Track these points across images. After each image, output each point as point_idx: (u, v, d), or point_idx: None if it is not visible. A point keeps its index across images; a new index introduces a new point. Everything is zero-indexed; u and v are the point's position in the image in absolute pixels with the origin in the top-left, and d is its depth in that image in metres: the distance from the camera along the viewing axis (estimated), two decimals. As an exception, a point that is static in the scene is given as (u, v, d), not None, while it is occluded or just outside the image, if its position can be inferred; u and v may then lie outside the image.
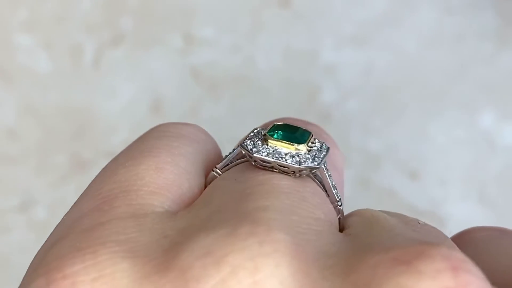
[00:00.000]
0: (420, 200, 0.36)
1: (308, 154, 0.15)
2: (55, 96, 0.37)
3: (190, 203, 0.15)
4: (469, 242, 0.17)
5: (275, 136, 0.16)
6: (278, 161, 0.15)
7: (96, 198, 0.15)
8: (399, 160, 0.36)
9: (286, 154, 0.15)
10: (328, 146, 0.16)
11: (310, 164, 0.15)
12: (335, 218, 0.15)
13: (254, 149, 0.15)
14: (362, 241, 0.14)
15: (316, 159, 0.15)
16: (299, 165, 0.15)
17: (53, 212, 0.35)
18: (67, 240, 0.14)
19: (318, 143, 0.16)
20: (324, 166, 0.16)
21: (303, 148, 0.15)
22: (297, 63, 0.38)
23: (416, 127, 0.37)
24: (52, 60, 0.37)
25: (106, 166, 0.16)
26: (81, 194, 0.16)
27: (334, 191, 0.16)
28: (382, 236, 0.14)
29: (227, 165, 0.16)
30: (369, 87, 0.38)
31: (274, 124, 0.16)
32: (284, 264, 0.12)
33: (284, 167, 0.15)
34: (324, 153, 0.16)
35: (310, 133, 0.16)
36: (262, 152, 0.15)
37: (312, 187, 0.15)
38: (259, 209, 0.13)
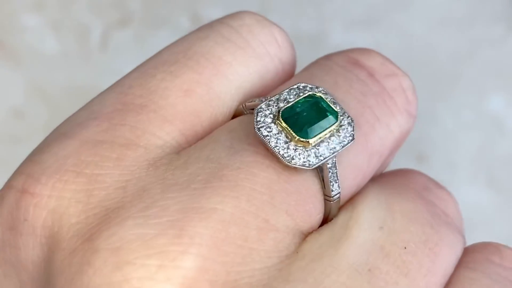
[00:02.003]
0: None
1: (313, 148, 0.13)
2: (62, 77, 0.37)
3: (203, 134, 0.14)
4: None
5: (287, 118, 0.13)
6: (273, 149, 0.13)
7: (115, 102, 0.14)
8: (407, 143, 0.37)
9: (286, 142, 0.13)
10: (353, 137, 0.14)
11: (299, 164, 0.13)
12: (308, 221, 0.14)
13: (259, 122, 0.13)
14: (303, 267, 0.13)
15: (317, 158, 0.13)
16: (288, 162, 0.13)
17: None
18: (53, 147, 0.14)
19: (344, 133, 0.14)
20: (332, 162, 0.13)
21: (306, 143, 0.13)
22: (305, 45, 0.38)
23: (424, 110, 0.37)
24: (59, 41, 0.38)
25: (150, 60, 0.15)
26: (112, 85, 0.15)
27: (331, 185, 0.14)
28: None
29: (252, 109, 0.14)
30: None
31: (303, 99, 0.14)
32: None
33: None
34: (334, 151, 0.13)
35: (335, 121, 0.13)
36: (263, 132, 0.13)
37: (298, 181, 0.13)
38: (202, 211, 0.12)
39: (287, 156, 0.13)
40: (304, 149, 0.13)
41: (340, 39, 0.38)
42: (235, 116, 0.15)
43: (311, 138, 0.13)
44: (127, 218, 0.13)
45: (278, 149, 0.13)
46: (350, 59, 0.14)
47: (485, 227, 0.36)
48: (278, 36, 0.16)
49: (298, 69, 0.20)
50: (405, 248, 0.13)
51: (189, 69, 0.14)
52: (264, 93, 0.15)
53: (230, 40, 0.15)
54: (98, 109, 0.15)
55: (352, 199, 0.15)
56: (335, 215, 0.14)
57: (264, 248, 0.13)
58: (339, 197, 0.14)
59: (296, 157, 0.13)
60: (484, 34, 0.38)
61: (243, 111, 0.15)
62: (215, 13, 0.38)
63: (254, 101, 0.14)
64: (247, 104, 0.15)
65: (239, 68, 0.15)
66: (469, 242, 0.35)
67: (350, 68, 0.14)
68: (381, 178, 0.16)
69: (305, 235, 0.14)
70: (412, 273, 0.13)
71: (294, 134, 0.13)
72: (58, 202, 0.13)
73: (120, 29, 0.38)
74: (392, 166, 0.36)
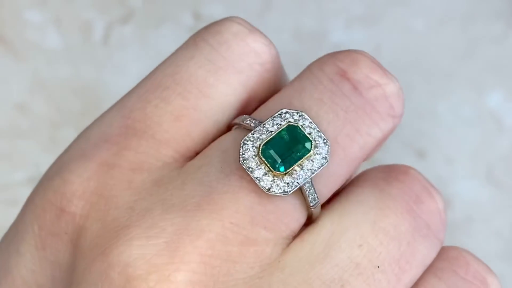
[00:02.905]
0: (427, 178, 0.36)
1: (289, 177, 0.15)
2: (65, 72, 0.38)
3: (196, 147, 0.16)
4: None
5: (264, 153, 0.15)
6: (254, 179, 0.15)
7: (120, 125, 0.17)
8: (407, 138, 0.37)
9: (265, 174, 0.15)
10: (327, 159, 0.15)
11: (277, 192, 0.15)
12: (289, 230, 0.15)
13: (243, 156, 0.15)
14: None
15: (292, 185, 0.15)
16: (267, 191, 0.15)
17: None
18: (77, 167, 0.17)
19: (319, 157, 0.15)
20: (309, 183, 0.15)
21: (282, 175, 0.15)
22: (306, 42, 0.38)
23: (424, 106, 0.37)
24: (62, 37, 0.38)
25: (146, 82, 0.18)
26: (115, 104, 0.18)
27: (309, 197, 0.15)
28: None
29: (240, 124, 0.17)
30: None
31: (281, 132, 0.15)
32: None
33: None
34: (308, 176, 0.15)
35: (309, 150, 0.15)
36: (247, 163, 0.15)
37: (278, 201, 0.15)
38: (192, 232, 0.15)
39: (266, 186, 0.15)
40: (281, 179, 0.15)
41: (341, 36, 0.38)
42: (229, 126, 0.17)
43: (286, 170, 0.15)
44: (133, 238, 0.15)
45: (258, 180, 0.15)
46: (339, 70, 0.16)
47: (484, 222, 0.36)
48: (254, 44, 0.17)
49: (302, 64, 0.20)
50: (378, 267, 0.15)
51: (178, 95, 0.16)
52: (250, 97, 0.17)
53: (211, 62, 0.16)
54: (107, 131, 0.17)
55: (341, 200, 0.16)
56: (318, 216, 0.16)
57: (246, 260, 0.15)
58: (318, 204, 0.16)
59: (274, 187, 0.15)
60: (483, 31, 0.38)
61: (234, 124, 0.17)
62: (217, 10, 0.38)
63: (241, 120, 0.16)
64: (235, 121, 0.17)
65: (222, 87, 0.16)
66: (467, 238, 0.35)
67: (337, 82, 0.16)
68: (378, 182, 0.17)
69: (290, 240, 0.16)
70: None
71: (270, 168, 0.15)
72: (85, 220, 0.16)
73: (123, 25, 0.38)
74: (392, 161, 0.36)
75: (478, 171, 0.37)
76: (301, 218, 0.16)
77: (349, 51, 0.16)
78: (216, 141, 0.16)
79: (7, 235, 0.18)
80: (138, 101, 0.17)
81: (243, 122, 0.16)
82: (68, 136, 0.36)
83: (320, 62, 0.17)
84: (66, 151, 0.18)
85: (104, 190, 0.16)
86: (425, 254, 0.16)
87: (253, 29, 0.17)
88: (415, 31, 0.38)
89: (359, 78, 0.16)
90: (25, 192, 0.35)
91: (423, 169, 0.36)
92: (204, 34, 0.17)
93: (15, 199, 0.36)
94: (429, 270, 0.16)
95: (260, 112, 0.16)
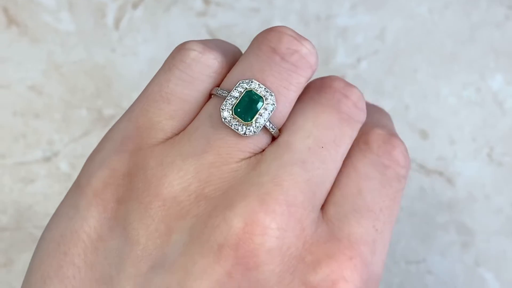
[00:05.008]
0: (430, 158, 0.37)
1: (255, 123, 0.22)
2: (78, 55, 0.38)
3: (190, 118, 0.23)
4: None
5: (236, 112, 0.22)
6: (235, 130, 0.22)
7: (133, 126, 0.23)
8: (411, 120, 0.37)
9: (240, 125, 0.22)
10: (275, 105, 0.22)
11: (249, 134, 0.22)
12: (260, 150, 0.22)
13: (224, 117, 0.22)
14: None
15: (258, 127, 0.22)
16: (244, 134, 0.22)
17: (75, 164, 0.36)
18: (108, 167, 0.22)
19: (270, 105, 0.22)
20: (269, 125, 0.22)
21: (250, 123, 0.22)
22: (312, 26, 0.39)
23: (428, 89, 0.38)
24: (75, 20, 0.38)
25: (142, 98, 0.24)
26: (125, 114, 0.24)
27: (270, 128, 0.22)
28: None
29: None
30: (382, 50, 0.38)
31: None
32: None
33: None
34: (266, 118, 0.22)
35: (262, 104, 0.22)
36: (228, 122, 0.22)
37: (252, 136, 0.22)
38: (204, 166, 0.21)
39: (242, 132, 0.22)
40: (250, 126, 0.22)
41: (346, 20, 0.38)
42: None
43: (250, 120, 0.22)
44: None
45: (237, 129, 0.22)
46: (270, 48, 0.23)
47: (485, 200, 0.36)
48: (207, 61, 0.23)
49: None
50: (322, 147, 0.22)
51: (167, 104, 0.23)
52: (215, 84, 0.24)
53: (183, 80, 0.23)
54: (126, 132, 0.23)
55: (290, 117, 0.23)
56: (278, 135, 0.22)
57: (240, 164, 0.22)
58: (276, 130, 0.22)
59: (247, 132, 0.22)
60: (486, 16, 0.38)
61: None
62: (226, -6, 0.38)
63: (215, 91, 0.23)
64: (212, 92, 0.23)
65: (194, 93, 0.23)
66: (469, 215, 0.35)
67: (270, 56, 0.23)
68: (313, 95, 0.24)
69: (263, 150, 0.23)
70: (326, 160, 0.22)
71: (242, 120, 0.22)
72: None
73: (134, 9, 0.38)
74: None
75: (479, 151, 0.37)
76: (268, 140, 0.22)
77: (274, 30, 0.23)
78: (203, 110, 0.23)
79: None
80: (140, 112, 0.23)
81: (217, 93, 0.23)
82: (81, 116, 0.37)
83: (258, 42, 0.23)
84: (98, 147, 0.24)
85: (137, 192, 0.22)
86: (350, 134, 0.23)
87: (205, 50, 0.23)
88: (419, 15, 0.38)
89: (283, 51, 0.23)
90: (41, 170, 0.36)
91: (426, 149, 0.37)
92: (174, 62, 0.23)
93: (31, 177, 0.36)
94: (357, 143, 0.23)
95: (226, 83, 0.23)
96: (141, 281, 0.19)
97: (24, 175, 0.36)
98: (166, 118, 0.22)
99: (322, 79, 0.24)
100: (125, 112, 0.23)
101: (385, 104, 0.37)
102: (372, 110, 0.26)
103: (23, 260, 0.35)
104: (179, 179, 0.21)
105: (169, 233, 0.20)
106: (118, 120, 0.23)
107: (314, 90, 0.24)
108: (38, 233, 0.35)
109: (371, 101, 0.37)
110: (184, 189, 0.20)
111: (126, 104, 0.37)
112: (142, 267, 0.20)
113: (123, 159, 0.21)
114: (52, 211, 0.35)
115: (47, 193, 0.36)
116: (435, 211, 0.36)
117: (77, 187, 0.22)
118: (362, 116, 0.23)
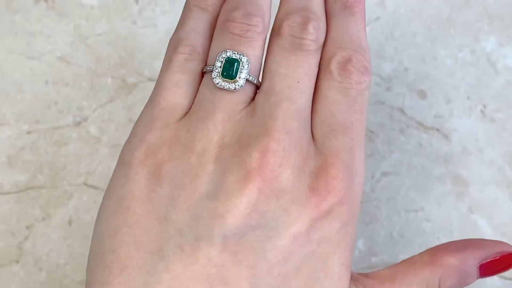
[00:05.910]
0: (428, 116, 0.38)
1: (240, 80, 0.27)
2: (101, 27, 0.40)
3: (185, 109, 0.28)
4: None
5: (223, 75, 0.27)
6: (225, 88, 0.27)
7: (153, 115, 0.27)
8: (409, 81, 0.39)
9: (229, 83, 0.27)
10: (249, 63, 0.27)
11: (237, 88, 0.27)
12: (250, 98, 0.27)
13: (217, 82, 0.27)
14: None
15: (241, 83, 0.27)
16: (233, 89, 0.27)
17: (103, 128, 0.39)
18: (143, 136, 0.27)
19: (246, 65, 0.27)
20: (250, 77, 0.27)
21: (235, 80, 0.27)
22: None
23: (426, 51, 0.39)
24: (98, -5, 0.41)
25: (148, 108, 0.28)
26: (147, 104, 0.28)
27: (253, 81, 0.27)
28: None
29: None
30: (383, 16, 0.40)
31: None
32: None
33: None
34: (246, 75, 0.27)
35: (239, 65, 0.27)
36: (220, 84, 0.27)
37: (240, 89, 0.27)
38: (210, 119, 0.27)
39: (231, 88, 0.26)
40: (236, 82, 0.26)
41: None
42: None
43: (235, 78, 0.26)
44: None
45: (228, 88, 0.27)
46: (232, 18, 0.27)
47: (479, 153, 0.38)
48: (195, 56, 0.28)
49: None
50: (298, 82, 0.27)
51: (178, 89, 0.28)
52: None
53: (182, 68, 0.28)
54: (151, 119, 0.27)
55: (267, 67, 0.28)
56: (260, 83, 0.27)
57: (238, 114, 0.26)
58: (257, 80, 0.27)
59: (236, 87, 0.26)
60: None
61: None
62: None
63: (205, 69, 0.28)
64: (203, 70, 0.28)
65: (191, 76, 0.28)
66: (464, 167, 0.36)
67: (234, 25, 0.27)
68: (277, 42, 0.28)
69: (253, 97, 0.27)
70: (304, 90, 0.27)
71: (229, 79, 0.26)
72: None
73: (152, -17, 0.40)
74: (397, 102, 0.39)
75: (474, 108, 0.38)
76: (254, 89, 0.27)
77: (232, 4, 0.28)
78: (201, 85, 0.28)
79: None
80: (160, 98, 0.27)
81: (206, 70, 0.27)
82: (107, 84, 0.39)
83: (225, 17, 0.28)
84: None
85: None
86: (316, 62, 0.27)
87: (193, 52, 0.28)
88: (418, -17, 0.40)
89: (241, 19, 0.27)
90: (72, 134, 0.38)
91: (424, 108, 0.38)
92: (172, 56, 0.28)
93: (64, 140, 0.38)
94: (324, 71, 0.28)
95: (209, 61, 0.28)
96: (194, 210, 0.24)
97: (57, 138, 0.38)
98: (181, 98, 0.27)
99: (275, 24, 0.28)
100: (148, 101, 0.28)
101: (386, 67, 0.39)
102: (340, 22, 0.29)
103: (60, 214, 0.37)
104: (205, 137, 0.26)
105: (208, 174, 0.25)
106: (144, 108, 0.28)
107: (275, 38, 0.28)
108: (72, 190, 0.37)
109: (372, 65, 0.38)
110: (209, 142, 0.26)
111: (147, 73, 0.39)
112: (191, 201, 0.25)
113: (156, 135, 0.26)
114: (84, 170, 0.38)
115: (78, 154, 0.38)
116: (432, 164, 0.38)
117: (122, 163, 0.26)
118: (319, 43, 0.28)
